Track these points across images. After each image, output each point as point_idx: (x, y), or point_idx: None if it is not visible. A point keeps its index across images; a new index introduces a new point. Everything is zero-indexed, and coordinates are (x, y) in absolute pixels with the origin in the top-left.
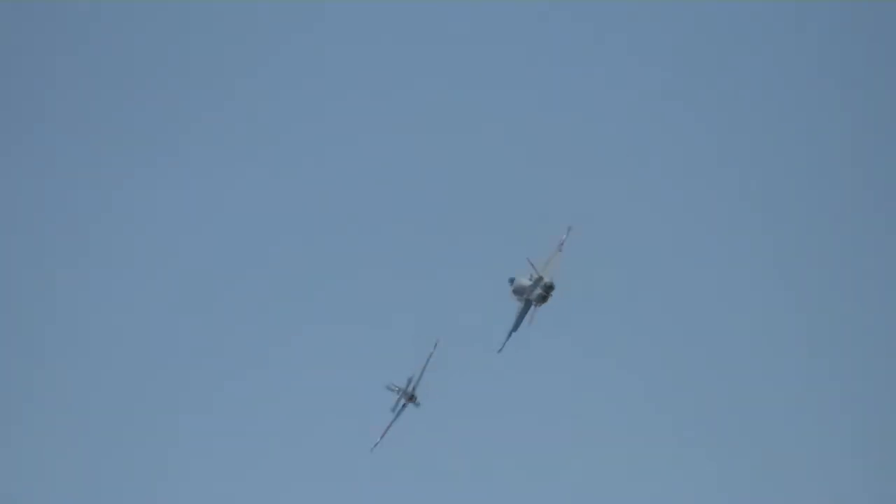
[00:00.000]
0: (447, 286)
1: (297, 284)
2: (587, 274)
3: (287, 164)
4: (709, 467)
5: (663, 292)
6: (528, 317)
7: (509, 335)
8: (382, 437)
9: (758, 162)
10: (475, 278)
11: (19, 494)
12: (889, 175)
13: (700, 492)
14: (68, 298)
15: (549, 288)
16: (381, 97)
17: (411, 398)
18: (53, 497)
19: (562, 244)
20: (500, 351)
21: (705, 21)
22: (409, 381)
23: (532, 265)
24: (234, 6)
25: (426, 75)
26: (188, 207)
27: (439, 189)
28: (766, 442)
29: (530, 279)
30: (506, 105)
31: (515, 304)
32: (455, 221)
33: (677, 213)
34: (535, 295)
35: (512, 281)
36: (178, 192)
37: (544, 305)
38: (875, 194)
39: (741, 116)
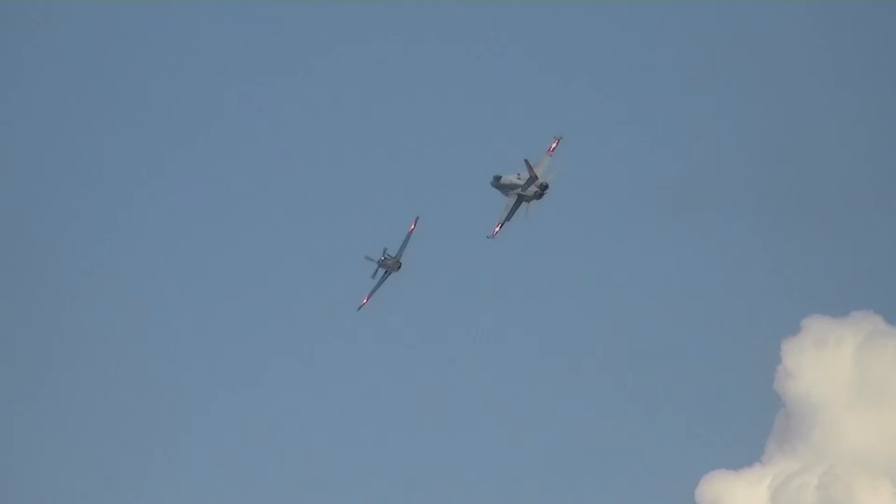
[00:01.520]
0: (430, 174)
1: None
2: (574, 177)
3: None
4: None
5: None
6: (524, 211)
7: (501, 224)
8: (368, 298)
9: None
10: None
11: (19, 494)
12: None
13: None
14: (68, 298)
15: (544, 187)
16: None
17: (390, 266)
18: (53, 497)
19: (552, 150)
20: (490, 237)
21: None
22: (384, 251)
23: (528, 165)
24: (235, 6)
25: None
26: (188, 207)
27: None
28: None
29: (518, 177)
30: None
31: (501, 198)
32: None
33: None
34: (532, 192)
35: (498, 178)
36: (178, 193)
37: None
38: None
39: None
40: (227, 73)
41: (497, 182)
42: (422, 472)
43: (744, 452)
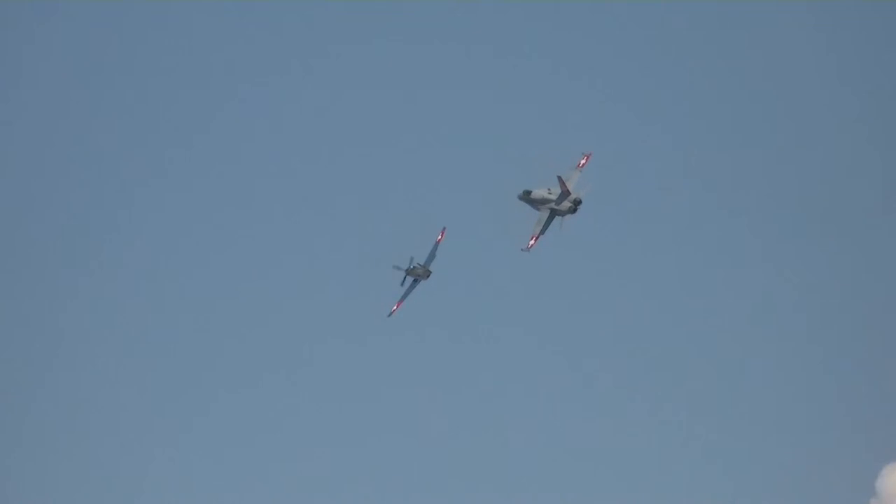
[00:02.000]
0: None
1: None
2: (604, 193)
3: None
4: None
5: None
6: (558, 224)
7: (536, 238)
8: (399, 306)
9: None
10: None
11: (19, 494)
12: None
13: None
14: (68, 298)
15: (578, 202)
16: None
17: (419, 275)
18: (53, 497)
19: (581, 166)
20: (525, 250)
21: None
22: (412, 260)
23: (562, 181)
24: (235, 6)
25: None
26: (188, 207)
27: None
28: None
29: (549, 192)
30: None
31: (530, 211)
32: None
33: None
34: (566, 207)
35: (528, 192)
36: (177, 193)
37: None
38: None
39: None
40: (227, 74)
41: (527, 196)
42: (452, 478)
43: None
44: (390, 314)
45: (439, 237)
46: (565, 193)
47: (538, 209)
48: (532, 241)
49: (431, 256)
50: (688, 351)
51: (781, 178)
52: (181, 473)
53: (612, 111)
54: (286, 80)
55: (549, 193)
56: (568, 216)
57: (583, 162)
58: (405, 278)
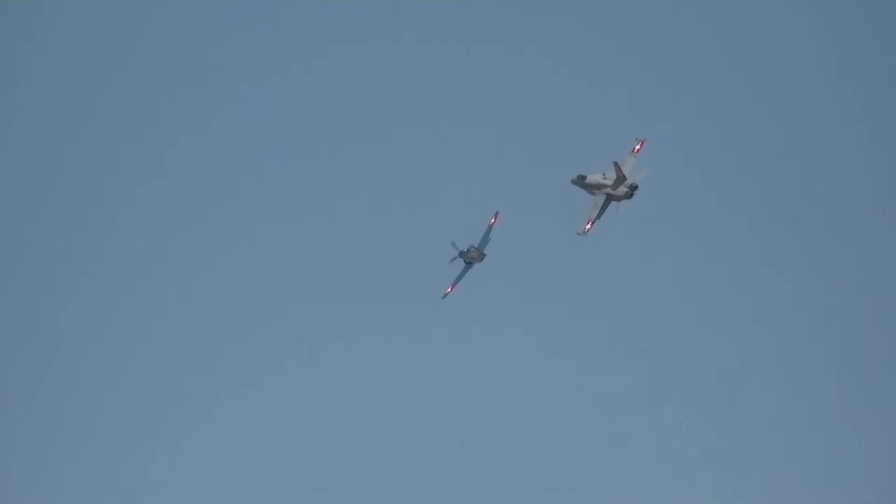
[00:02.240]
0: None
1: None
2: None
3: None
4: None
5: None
6: (614, 209)
7: (593, 222)
8: (452, 288)
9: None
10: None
11: (19, 494)
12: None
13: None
14: (68, 298)
15: (634, 187)
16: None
17: (474, 258)
18: (53, 497)
19: (636, 151)
20: (581, 234)
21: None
22: (470, 246)
23: (618, 166)
24: (235, 6)
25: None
26: (190, 207)
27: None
28: None
29: (604, 177)
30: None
31: (584, 196)
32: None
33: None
34: (622, 192)
35: (583, 177)
36: (177, 193)
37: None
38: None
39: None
40: (227, 74)
41: (581, 181)
42: (491, 471)
43: None
44: (444, 296)
45: (493, 220)
46: (621, 178)
47: (593, 194)
48: (588, 226)
49: (485, 240)
50: (696, 350)
51: (781, 177)
52: (181, 473)
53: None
54: (286, 80)
55: (605, 178)
56: (624, 201)
57: (638, 147)
58: (456, 258)
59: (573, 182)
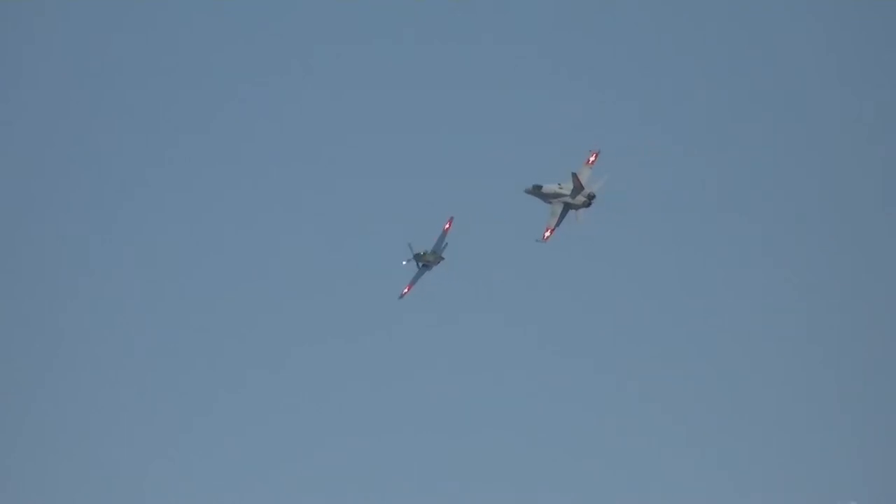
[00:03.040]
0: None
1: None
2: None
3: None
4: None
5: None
6: (573, 217)
7: (552, 230)
8: (409, 289)
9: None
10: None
11: (19, 494)
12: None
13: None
14: (69, 298)
15: (592, 197)
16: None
17: (430, 261)
18: (53, 497)
19: (590, 163)
20: (540, 241)
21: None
22: (425, 250)
23: (576, 177)
24: (235, 6)
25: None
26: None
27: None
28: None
29: (560, 187)
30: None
31: (539, 206)
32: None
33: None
34: (580, 201)
35: (539, 187)
36: (177, 193)
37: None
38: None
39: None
40: (227, 74)
41: (538, 191)
42: (454, 473)
43: None
44: (401, 296)
45: (446, 225)
46: (578, 188)
47: (550, 203)
48: (547, 233)
49: (440, 244)
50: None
51: (781, 177)
52: (181, 474)
53: (611, 110)
54: (286, 80)
55: (561, 188)
56: (582, 210)
57: (591, 159)
58: (413, 260)
59: (527, 192)
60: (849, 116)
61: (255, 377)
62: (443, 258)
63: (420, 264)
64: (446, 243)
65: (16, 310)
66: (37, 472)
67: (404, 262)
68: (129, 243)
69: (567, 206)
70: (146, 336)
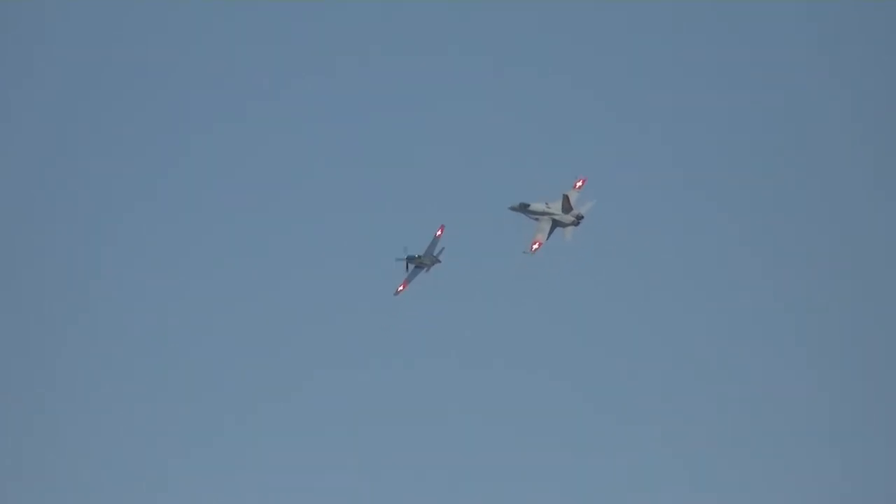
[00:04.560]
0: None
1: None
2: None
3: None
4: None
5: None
6: (561, 234)
7: (540, 243)
8: (405, 286)
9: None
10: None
11: (19, 494)
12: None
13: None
14: (69, 299)
15: (580, 217)
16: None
17: (426, 263)
18: (53, 497)
19: (578, 188)
20: (527, 253)
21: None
22: (419, 254)
23: (567, 199)
24: (235, 6)
25: None
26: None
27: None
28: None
29: (547, 206)
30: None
31: (524, 222)
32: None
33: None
34: (568, 220)
35: (526, 205)
36: (178, 193)
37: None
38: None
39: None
40: (228, 74)
41: (524, 208)
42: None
43: None
44: (396, 293)
45: (438, 232)
46: (567, 209)
47: (537, 219)
48: (535, 245)
49: (431, 250)
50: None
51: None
52: (181, 473)
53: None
54: (286, 80)
55: (547, 207)
56: (570, 228)
57: (579, 184)
58: (407, 262)
59: (513, 209)
60: (837, 134)
61: (255, 376)
62: (439, 261)
63: (414, 266)
64: (443, 247)
65: (16, 310)
66: (37, 472)
67: (401, 258)
68: (129, 243)
69: (555, 224)
70: (146, 336)
